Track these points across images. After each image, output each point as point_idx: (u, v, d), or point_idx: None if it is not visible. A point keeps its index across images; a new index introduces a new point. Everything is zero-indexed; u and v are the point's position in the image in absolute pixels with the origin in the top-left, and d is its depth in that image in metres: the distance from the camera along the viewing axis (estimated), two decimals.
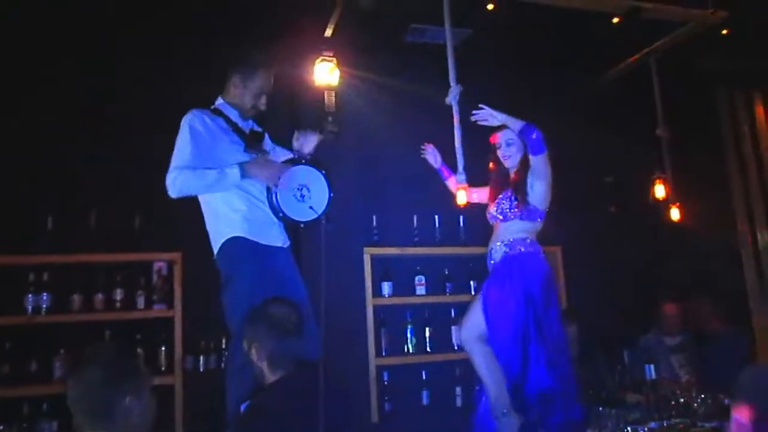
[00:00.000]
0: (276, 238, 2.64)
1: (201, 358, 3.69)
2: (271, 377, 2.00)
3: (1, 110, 3.53)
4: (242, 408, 2.02)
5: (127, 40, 3.67)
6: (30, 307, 3.39)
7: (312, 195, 2.65)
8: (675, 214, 4.53)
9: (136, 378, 1.66)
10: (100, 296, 3.52)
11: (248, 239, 2.54)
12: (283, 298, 2.16)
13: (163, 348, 3.58)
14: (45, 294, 3.42)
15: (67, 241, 3.49)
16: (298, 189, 2.62)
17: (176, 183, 2.48)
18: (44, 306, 3.41)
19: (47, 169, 3.56)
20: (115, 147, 3.65)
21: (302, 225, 2.67)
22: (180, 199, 2.58)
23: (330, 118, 3.81)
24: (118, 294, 3.56)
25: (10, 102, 3.56)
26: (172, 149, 2.59)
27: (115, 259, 3.57)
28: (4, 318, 3.34)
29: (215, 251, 2.60)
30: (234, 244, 2.54)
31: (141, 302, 3.60)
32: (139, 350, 3.53)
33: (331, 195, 2.70)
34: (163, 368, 3.55)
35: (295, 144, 2.71)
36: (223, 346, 3.63)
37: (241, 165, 2.52)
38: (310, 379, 2.01)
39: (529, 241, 2.96)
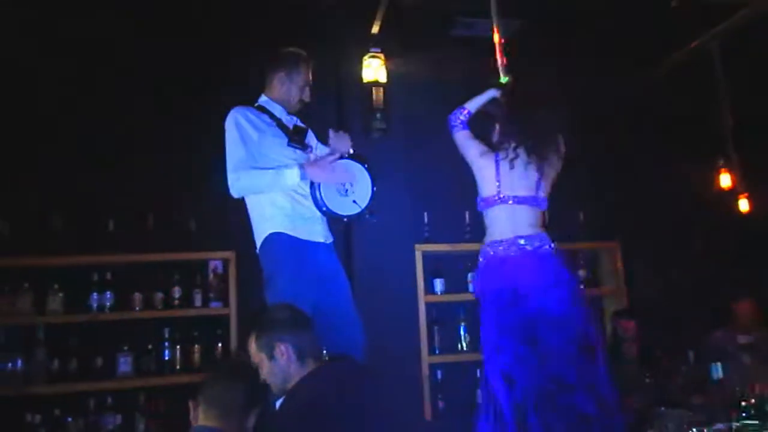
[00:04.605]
0: (318, 233, 2.63)
1: None
2: (301, 373, 1.98)
3: (62, 115, 3.70)
4: (277, 404, 2.03)
5: (170, 44, 3.80)
6: (94, 305, 3.54)
7: (355, 189, 2.63)
8: (743, 205, 4.30)
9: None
10: (159, 295, 3.64)
11: (289, 235, 2.54)
12: (277, 303, 2.18)
13: (220, 345, 3.67)
14: (108, 293, 3.56)
15: (128, 242, 3.63)
16: (341, 183, 2.61)
17: (237, 184, 2.53)
18: (107, 304, 3.55)
19: (108, 174, 3.70)
20: (172, 152, 3.77)
21: (345, 219, 2.66)
22: (233, 200, 2.63)
23: (378, 115, 3.81)
24: (176, 292, 3.67)
25: (72, 107, 3.72)
26: (223, 150, 2.63)
27: (173, 259, 3.68)
28: (70, 316, 3.50)
29: (258, 247, 2.62)
30: (275, 240, 2.55)
31: (198, 300, 3.69)
32: (196, 346, 3.64)
33: (374, 188, 2.67)
34: None
35: (331, 144, 2.70)
36: None
37: (302, 166, 2.53)
38: (348, 370, 1.98)
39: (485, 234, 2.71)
